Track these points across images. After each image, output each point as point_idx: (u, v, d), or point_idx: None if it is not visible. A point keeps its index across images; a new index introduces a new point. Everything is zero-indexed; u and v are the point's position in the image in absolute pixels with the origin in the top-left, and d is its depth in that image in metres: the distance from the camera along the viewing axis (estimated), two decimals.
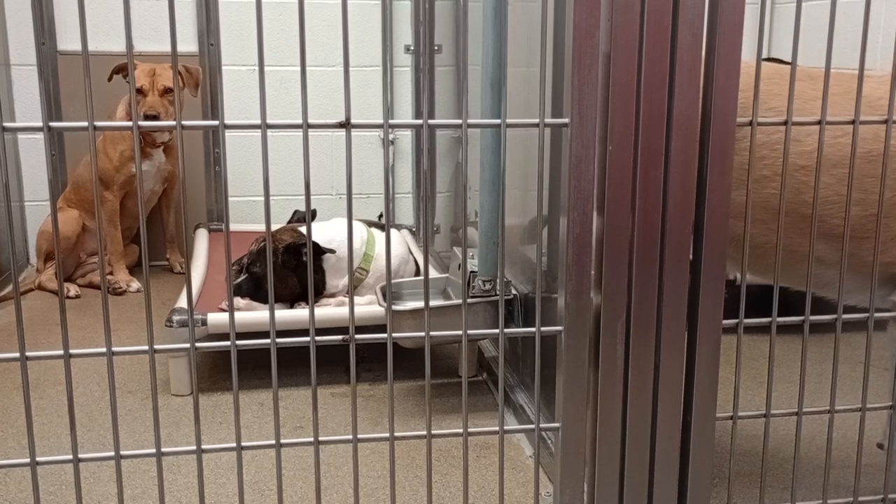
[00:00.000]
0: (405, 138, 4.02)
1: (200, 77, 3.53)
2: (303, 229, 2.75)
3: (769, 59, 2.71)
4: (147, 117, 3.24)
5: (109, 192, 3.50)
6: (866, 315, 1.37)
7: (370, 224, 2.96)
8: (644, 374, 1.26)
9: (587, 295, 1.22)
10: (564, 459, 1.28)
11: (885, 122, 1.29)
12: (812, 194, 1.59)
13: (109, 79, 3.33)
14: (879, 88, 1.60)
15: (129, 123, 1.09)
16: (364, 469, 2.07)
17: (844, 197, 1.57)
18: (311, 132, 1.13)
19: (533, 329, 1.23)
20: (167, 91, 3.36)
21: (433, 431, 1.24)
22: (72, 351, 1.13)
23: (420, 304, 2.37)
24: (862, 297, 1.63)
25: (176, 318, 2.52)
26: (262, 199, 1.11)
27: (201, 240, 3.57)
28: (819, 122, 1.26)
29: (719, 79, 1.18)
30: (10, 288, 3.50)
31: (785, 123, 1.24)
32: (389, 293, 1.20)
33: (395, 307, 2.43)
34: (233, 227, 3.67)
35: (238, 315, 2.49)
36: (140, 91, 3.30)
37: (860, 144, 1.56)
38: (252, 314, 2.59)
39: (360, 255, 2.79)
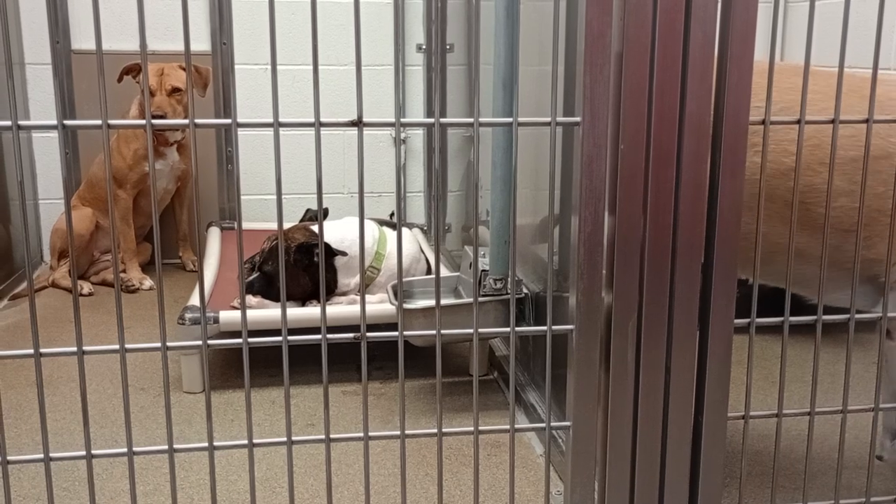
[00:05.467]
0: (417, 137, 4.02)
1: (210, 77, 3.54)
2: (315, 228, 2.75)
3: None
4: (154, 117, 3.25)
5: (123, 191, 3.52)
6: (879, 315, 1.36)
7: (382, 223, 2.97)
8: (655, 373, 1.26)
9: (598, 294, 1.22)
10: (575, 458, 1.28)
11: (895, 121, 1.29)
12: (810, 191, 1.58)
13: (119, 80, 3.34)
14: None
15: (142, 122, 1.09)
16: (375, 466, 2.08)
17: (836, 189, 1.56)
18: (324, 131, 1.13)
19: (544, 328, 1.23)
20: (175, 91, 3.37)
21: (444, 429, 1.24)
22: (85, 348, 1.13)
23: (431, 302, 2.37)
24: (842, 296, 1.58)
25: (188, 315, 2.53)
26: (275, 197, 1.12)
27: (214, 238, 3.58)
28: (832, 122, 1.25)
29: (732, 78, 1.18)
30: (24, 285, 3.52)
31: (798, 122, 1.24)
32: (401, 291, 1.21)
33: (406, 306, 2.43)
34: (245, 225, 3.68)
35: (250, 313, 2.49)
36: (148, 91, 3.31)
37: (858, 138, 1.54)
38: (264, 312, 2.60)
39: (371, 253, 2.80)
